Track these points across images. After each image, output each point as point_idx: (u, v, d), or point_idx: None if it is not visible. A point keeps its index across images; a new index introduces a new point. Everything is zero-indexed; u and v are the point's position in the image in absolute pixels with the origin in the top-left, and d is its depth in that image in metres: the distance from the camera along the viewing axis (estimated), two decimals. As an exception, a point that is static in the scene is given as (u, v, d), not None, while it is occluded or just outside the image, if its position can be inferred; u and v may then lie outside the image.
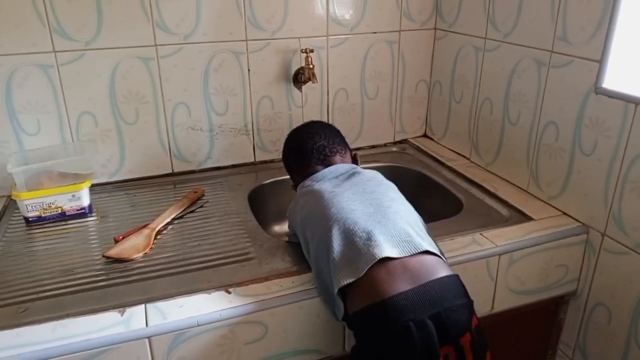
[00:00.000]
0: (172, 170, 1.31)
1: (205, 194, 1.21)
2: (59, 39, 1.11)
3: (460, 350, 0.71)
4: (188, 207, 1.14)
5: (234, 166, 1.37)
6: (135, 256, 0.94)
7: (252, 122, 1.34)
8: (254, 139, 1.36)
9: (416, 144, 1.52)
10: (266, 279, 0.88)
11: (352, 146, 1.42)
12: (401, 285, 0.72)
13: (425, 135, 1.57)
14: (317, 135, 1.05)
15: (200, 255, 0.96)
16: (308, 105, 1.38)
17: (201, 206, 1.16)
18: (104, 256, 0.93)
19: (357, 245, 0.79)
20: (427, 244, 0.80)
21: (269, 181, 1.31)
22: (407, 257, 0.76)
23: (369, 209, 0.85)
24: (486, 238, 1.00)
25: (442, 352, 0.70)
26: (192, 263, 0.93)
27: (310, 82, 1.30)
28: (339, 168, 0.99)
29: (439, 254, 0.80)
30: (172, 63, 1.21)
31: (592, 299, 1.07)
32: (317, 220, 0.88)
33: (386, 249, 0.77)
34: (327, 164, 1.02)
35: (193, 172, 1.33)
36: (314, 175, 0.98)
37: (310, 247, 0.87)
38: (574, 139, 1.04)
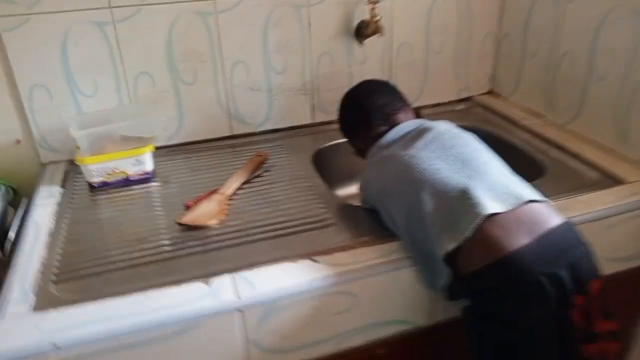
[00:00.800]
0: (232, 132, 1.26)
1: (269, 157, 1.16)
2: (114, -7, 1.04)
3: (590, 298, 0.68)
4: (254, 171, 1.09)
5: (292, 128, 1.31)
6: (210, 222, 0.89)
7: (311, 81, 1.27)
8: (313, 99, 1.29)
9: (482, 101, 1.43)
10: (351, 246, 0.83)
11: (413, 105, 1.34)
12: (521, 238, 0.68)
13: (490, 92, 1.47)
14: (375, 94, 0.98)
15: (277, 222, 0.91)
16: (369, 62, 1.30)
17: (267, 170, 1.10)
18: (178, 223, 0.89)
19: (454, 206, 0.74)
20: (529, 191, 0.75)
21: (331, 143, 1.25)
22: (515, 209, 0.71)
23: (455, 165, 0.79)
24: (578, 203, 0.93)
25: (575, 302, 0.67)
26: (269, 230, 0.89)
27: (373, 36, 1.22)
28: (405, 126, 0.92)
29: (544, 199, 0.75)
30: (230, 18, 1.14)
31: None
32: (399, 188, 0.82)
33: (489, 204, 0.71)
34: (391, 123, 0.94)
35: (252, 134, 1.27)
36: (380, 140, 0.92)
37: (397, 218, 0.82)
38: (678, 94, 0.95)
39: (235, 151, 1.21)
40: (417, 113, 1.01)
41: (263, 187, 1.04)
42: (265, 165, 1.13)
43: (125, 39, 1.09)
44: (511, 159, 0.99)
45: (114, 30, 1.07)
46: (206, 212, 0.92)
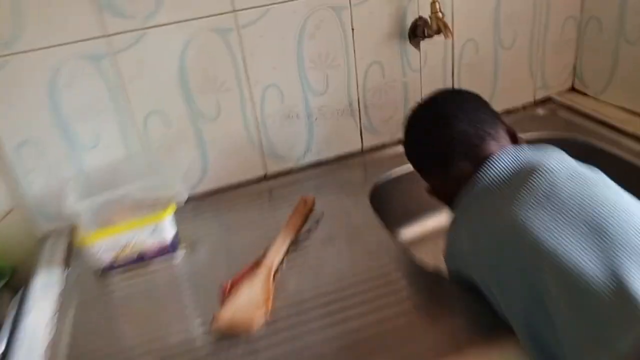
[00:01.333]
0: (266, 172, 1.03)
1: (316, 200, 0.92)
2: (110, 17, 0.81)
3: None
4: (301, 225, 0.85)
5: (339, 158, 1.07)
6: (255, 321, 0.66)
7: (358, 99, 1.03)
8: (360, 120, 1.05)
9: (565, 101, 1.16)
10: (458, 348, 0.59)
11: None
12: None
13: (573, 89, 1.20)
14: (454, 118, 0.72)
15: (340, 307, 0.68)
16: (427, 67, 1.05)
17: (317, 221, 0.87)
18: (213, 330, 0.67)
19: (603, 310, 0.49)
20: None
21: (389, 176, 1.01)
22: None
23: (589, 236, 0.53)
24: None
25: None
26: (331, 322, 0.65)
27: (434, 37, 0.97)
28: (502, 163, 0.65)
29: None
30: (256, 33, 0.90)
31: None
32: (507, 267, 0.58)
33: None
34: (480, 157, 0.68)
35: (290, 171, 1.04)
36: (471, 188, 0.67)
37: (507, 305, 0.58)
38: None
39: (273, 196, 0.98)
40: (513, 135, 0.75)
41: (317, 250, 0.81)
42: (314, 214, 0.89)
43: (128, 73, 0.86)
44: (625, 179, 0.72)
45: (113, 63, 0.84)
46: (249, 302, 0.69)
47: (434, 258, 0.94)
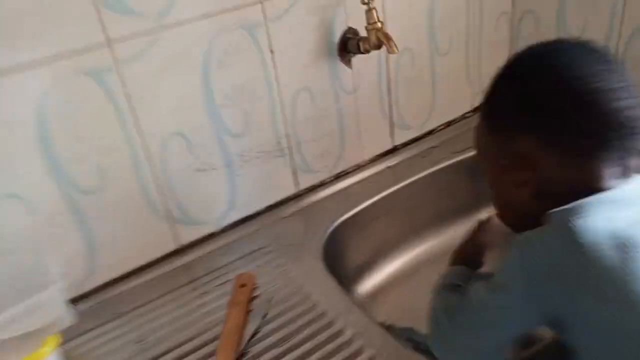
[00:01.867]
0: (180, 243, 0.78)
1: (255, 280, 0.71)
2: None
3: None
4: (244, 321, 0.63)
5: (270, 208, 0.86)
6: None
7: (288, 135, 0.82)
8: (292, 160, 0.85)
9: (504, 106, 1.05)
10: None
11: (423, 130, 0.96)
12: None
13: (509, 91, 1.10)
14: (619, 89, 0.46)
15: None
16: (362, 87, 0.87)
17: (264, 315, 0.65)
18: None
19: None
20: None
21: (338, 222, 0.82)
22: None
23: None
24: None
25: None
26: None
27: (371, 52, 0.79)
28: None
29: None
30: (144, 70, 0.65)
31: None
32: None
33: None
34: (626, 170, 0.47)
35: (212, 236, 0.81)
36: (604, 196, 0.45)
37: None
38: None
39: (193, 276, 0.74)
40: None
41: (269, 350, 0.60)
42: (257, 299, 0.68)
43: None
44: None
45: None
46: None
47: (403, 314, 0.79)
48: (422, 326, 0.75)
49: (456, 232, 0.95)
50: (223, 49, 0.70)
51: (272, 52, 0.75)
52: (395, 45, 0.73)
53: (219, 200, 0.80)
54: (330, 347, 0.59)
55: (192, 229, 0.79)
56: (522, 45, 1.01)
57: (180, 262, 0.77)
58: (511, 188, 0.51)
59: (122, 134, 0.67)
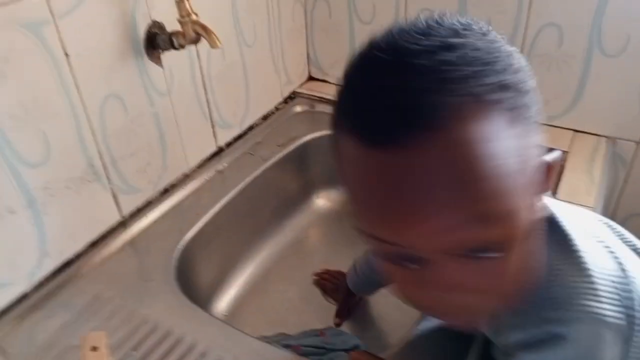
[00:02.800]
0: (-21, 318, 0.59)
1: (105, 334, 0.57)
2: None
3: None
4: (110, 394, 0.51)
5: (93, 245, 0.71)
6: None
7: (100, 153, 0.68)
8: (110, 182, 0.71)
9: (307, 92, 1.07)
10: None
11: (243, 127, 0.93)
12: None
13: (311, 78, 1.12)
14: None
15: None
16: (176, 87, 0.78)
17: (129, 372, 0.53)
18: None
19: None
20: None
21: (182, 244, 0.72)
22: None
23: None
24: (572, 201, 0.72)
25: None
26: None
27: (186, 47, 0.70)
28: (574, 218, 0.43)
29: None
30: None
31: None
32: None
33: None
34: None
35: (24, 297, 0.63)
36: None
37: None
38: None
39: (14, 357, 0.56)
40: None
41: None
42: (116, 357, 0.55)
43: None
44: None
45: None
46: None
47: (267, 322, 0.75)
48: (290, 328, 0.73)
49: (295, 226, 0.95)
50: (2, 56, 0.53)
51: (67, 55, 0.60)
52: (217, 38, 0.66)
53: (26, 251, 0.62)
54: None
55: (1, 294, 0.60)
56: (317, 32, 1.05)
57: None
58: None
59: None
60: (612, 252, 0.41)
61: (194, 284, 0.72)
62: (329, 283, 0.82)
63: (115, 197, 0.72)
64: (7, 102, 0.56)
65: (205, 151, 0.87)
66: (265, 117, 1.00)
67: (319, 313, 0.79)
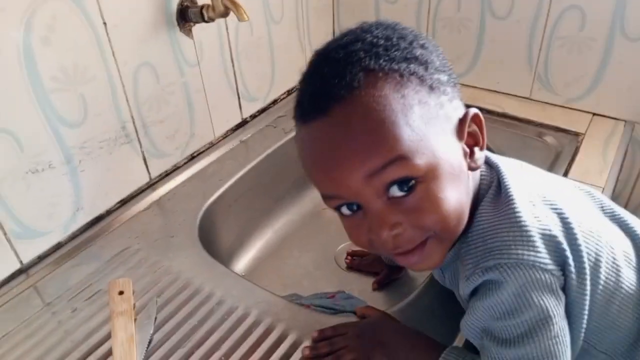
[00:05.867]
0: (20, 261, 0.65)
1: (130, 281, 0.63)
2: None
3: None
4: (136, 328, 0.56)
5: (123, 203, 0.76)
6: None
7: (133, 117, 0.73)
8: (141, 145, 0.76)
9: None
10: None
11: (267, 100, 0.96)
12: None
13: (336, 56, 1.15)
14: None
15: None
16: (205, 59, 0.82)
17: (155, 319, 0.59)
18: None
19: None
20: None
21: (208, 203, 0.77)
22: None
23: None
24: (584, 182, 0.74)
25: None
26: None
27: (215, 20, 0.74)
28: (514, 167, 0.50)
29: None
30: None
31: None
32: None
33: None
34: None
35: (59, 246, 0.69)
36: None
37: None
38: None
39: (51, 301, 0.62)
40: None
41: (173, 354, 0.54)
42: (139, 306, 0.60)
43: None
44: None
45: None
46: None
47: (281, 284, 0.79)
48: (303, 291, 0.77)
49: (314, 196, 0.98)
50: (46, 24, 0.59)
51: (105, 24, 0.65)
52: (245, 12, 0.70)
53: (62, 203, 0.68)
54: (239, 331, 0.56)
55: (33, 242, 0.66)
56: (343, 11, 1.07)
57: (27, 285, 0.64)
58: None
59: None
60: (558, 210, 0.45)
61: (214, 244, 0.77)
62: (363, 260, 0.83)
63: (145, 160, 0.78)
64: (50, 66, 0.61)
65: (230, 122, 0.91)
66: (289, 92, 1.03)
67: (331, 279, 0.83)
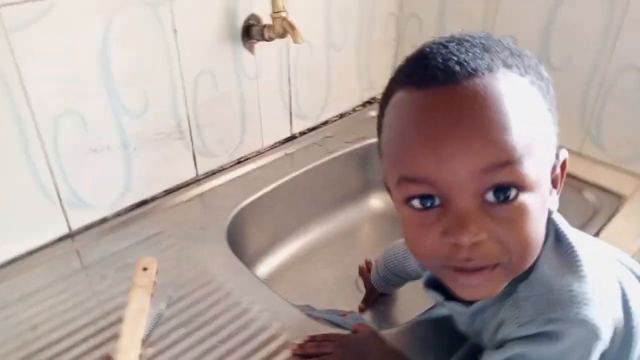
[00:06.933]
0: (69, 227, 0.74)
1: (156, 261, 0.69)
2: None
3: None
4: (151, 302, 0.62)
5: (168, 192, 0.84)
6: None
7: (189, 117, 0.81)
8: (192, 143, 0.84)
9: (391, 102, 1.14)
10: None
11: (318, 120, 1.01)
12: None
13: (395, 88, 1.19)
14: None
15: None
16: (263, 74, 0.89)
17: (170, 297, 0.64)
18: None
19: None
20: None
21: (242, 205, 0.83)
22: None
23: None
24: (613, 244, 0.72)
25: None
26: None
27: (275, 40, 0.81)
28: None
29: None
30: (36, 39, 0.61)
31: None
32: None
33: None
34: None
35: (104, 220, 0.77)
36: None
37: None
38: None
39: (85, 262, 0.70)
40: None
41: (180, 340, 0.59)
42: (159, 283, 0.66)
43: None
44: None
45: None
46: None
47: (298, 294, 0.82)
48: (316, 303, 0.80)
49: (348, 217, 1.02)
50: (124, 24, 0.68)
51: (175, 31, 0.74)
52: (301, 35, 0.76)
53: (113, 183, 0.76)
54: (240, 321, 0.61)
55: (83, 212, 0.74)
56: (407, 45, 1.11)
57: (71, 248, 0.72)
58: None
59: (10, 110, 0.62)
60: (615, 276, 0.44)
61: (241, 244, 0.82)
62: (369, 273, 0.87)
63: (194, 157, 0.85)
64: (122, 62, 0.70)
65: (279, 135, 0.98)
66: (341, 116, 1.08)
67: (347, 300, 0.85)
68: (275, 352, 0.57)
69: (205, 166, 0.87)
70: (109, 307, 0.62)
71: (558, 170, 0.44)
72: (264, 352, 0.57)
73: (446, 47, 0.39)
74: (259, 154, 0.95)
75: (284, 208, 0.91)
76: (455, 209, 0.37)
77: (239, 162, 0.92)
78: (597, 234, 0.75)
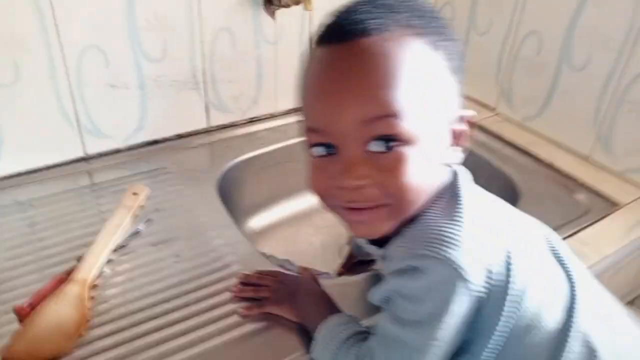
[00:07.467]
0: (85, 151, 0.84)
1: (149, 191, 0.77)
2: None
3: None
4: (129, 224, 0.70)
5: (179, 137, 0.92)
6: (62, 349, 0.52)
7: (204, 70, 0.88)
8: (206, 95, 0.91)
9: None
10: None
11: None
12: None
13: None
14: None
15: (184, 317, 0.57)
16: (283, 40, 0.94)
17: (148, 220, 0.72)
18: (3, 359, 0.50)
19: None
20: None
21: (239, 159, 0.89)
22: None
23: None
24: (581, 247, 0.71)
25: None
26: (175, 334, 0.54)
27: (292, 7, 0.86)
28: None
29: None
30: (68, -24, 0.70)
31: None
32: None
33: None
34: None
35: (117, 152, 0.86)
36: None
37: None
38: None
39: (94, 182, 0.80)
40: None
41: (146, 252, 0.67)
42: (146, 208, 0.74)
43: None
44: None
45: None
46: (52, 332, 0.53)
47: (284, 251, 0.87)
48: (298, 261, 0.84)
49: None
50: (150, -26, 0.76)
51: (198, -13, 0.81)
52: (311, 2, 0.81)
53: (129, 119, 0.85)
54: (203, 259, 0.66)
55: (99, 141, 0.84)
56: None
57: (84, 169, 0.82)
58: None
59: (41, 38, 0.71)
60: (500, 237, 0.45)
61: (235, 194, 0.88)
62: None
63: (207, 109, 0.92)
64: (146, 10, 0.78)
65: (295, 102, 1.02)
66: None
67: (328, 263, 0.89)
68: (224, 278, 0.63)
69: (217, 119, 0.94)
70: (97, 219, 0.71)
71: (462, 127, 0.46)
72: (215, 276, 0.63)
73: (354, 7, 0.43)
74: (272, 116, 1.00)
75: (285, 169, 0.96)
76: (344, 157, 0.42)
77: (251, 121, 0.98)
78: (575, 233, 0.74)
